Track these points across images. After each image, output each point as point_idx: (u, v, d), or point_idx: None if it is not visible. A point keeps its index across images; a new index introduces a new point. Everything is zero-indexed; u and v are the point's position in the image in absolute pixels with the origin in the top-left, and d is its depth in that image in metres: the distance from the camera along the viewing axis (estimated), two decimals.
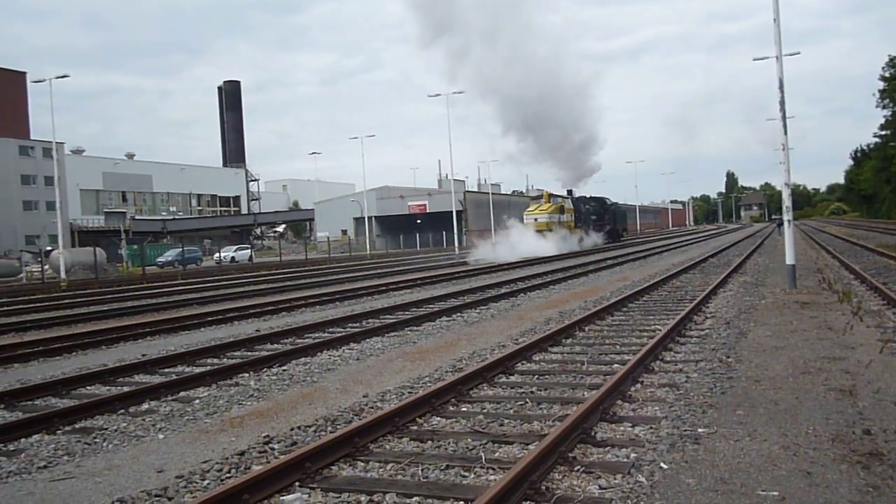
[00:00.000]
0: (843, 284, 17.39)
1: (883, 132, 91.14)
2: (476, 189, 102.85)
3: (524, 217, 50.98)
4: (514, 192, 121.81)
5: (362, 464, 6.05)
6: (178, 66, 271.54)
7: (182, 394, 9.18)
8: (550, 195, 53.40)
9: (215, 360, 11.55)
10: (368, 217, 75.05)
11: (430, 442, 6.57)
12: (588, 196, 59.21)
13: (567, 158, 56.14)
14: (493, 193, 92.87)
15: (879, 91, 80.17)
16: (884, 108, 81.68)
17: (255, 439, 6.87)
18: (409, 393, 8.39)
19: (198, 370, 10.51)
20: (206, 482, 5.73)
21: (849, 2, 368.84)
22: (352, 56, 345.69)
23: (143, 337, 14.73)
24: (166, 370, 10.90)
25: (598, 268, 29.08)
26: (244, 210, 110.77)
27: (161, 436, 7.39)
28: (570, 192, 56.25)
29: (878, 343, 9.81)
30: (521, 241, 44.24)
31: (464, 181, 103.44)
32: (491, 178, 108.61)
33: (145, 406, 8.66)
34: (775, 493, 4.89)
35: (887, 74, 78.51)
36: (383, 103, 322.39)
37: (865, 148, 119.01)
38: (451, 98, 53.97)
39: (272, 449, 6.51)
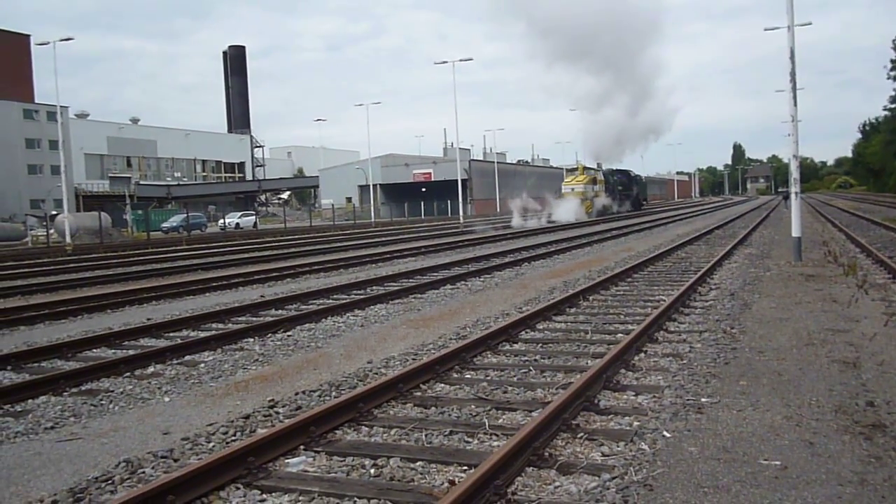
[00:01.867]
0: (849, 257, 17.35)
1: (892, 105, 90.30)
2: (482, 158, 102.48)
3: (562, 187, 57.90)
4: (519, 161, 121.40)
5: (366, 428, 6.09)
6: (183, 30, 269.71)
7: (187, 357, 9.23)
8: (584, 167, 59.30)
9: (220, 325, 11.59)
10: (373, 185, 74.89)
11: (433, 408, 6.60)
12: (615, 168, 64.93)
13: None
14: (498, 162, 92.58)
15: (891, 62, 79.29)
16: (894, 80, 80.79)
17: (259, 403, 6.92)
18: (413, 359, 8.42)
19: (203, 334, 10.55)
20: (212, 444, 5.77)
21: None
22: (358, 21, 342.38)
23: (149, 301, 14.78)
24: (171, 334, 10.94)
25: (602, 238, 29.04)
26: (249, 176, 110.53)
27: (167, 398, 7.44)
28: (599, 165, 62.02)
29: (883, 316, 9.81)
30: (561, 208, 52.02)
31: (469, 150, 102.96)
32: (497, 148, 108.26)
33: (151, 369, 8.71)
34: (777, 463, 4.91)
35: None
36: (389, 70, 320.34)
37: (874, 121, 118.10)
38: (457, 66, 53.54)
39: (277, 413, 6.55)
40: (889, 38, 79.71)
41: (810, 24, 29.24)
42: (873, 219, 33.84)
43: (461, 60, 54.89)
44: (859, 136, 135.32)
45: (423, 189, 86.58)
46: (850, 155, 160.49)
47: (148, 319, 12.06)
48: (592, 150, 65.54)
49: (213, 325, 11.58)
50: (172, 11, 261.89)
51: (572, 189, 55.97)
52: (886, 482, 4.54)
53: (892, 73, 79.96)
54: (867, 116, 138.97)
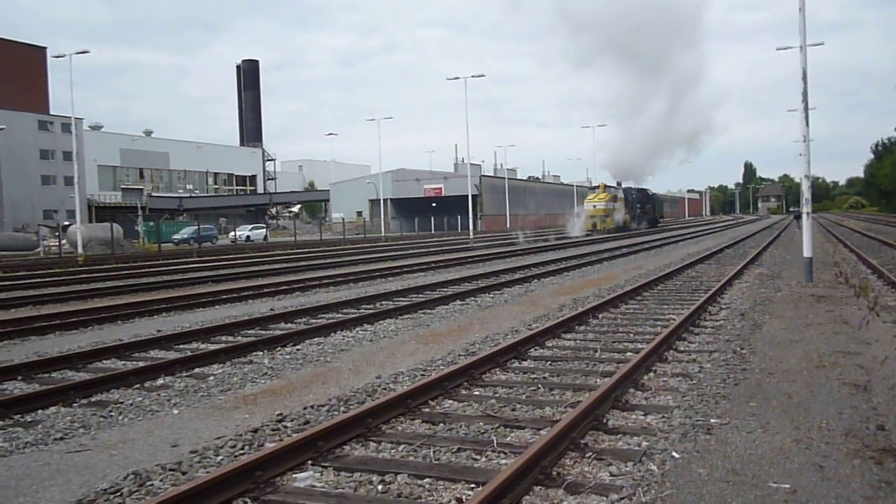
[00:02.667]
0: (860, 279, 17.25)
1: None
2: (492, 174, 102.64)
3: (585, 204, 62.06)
4: (530, 177, 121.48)
5: (374, 444, 6.08)
6: (197, 44, 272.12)
7: (197, 370, 9.26)
8: (606, 186, 62.99)
9: (230, 338, 11.62)
10: (384, 199, 75.08)
11: (441, 424, 6.59)
12: (634, 187, 68.38)
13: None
14: (508, 178, 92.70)
15: None
16: None
17: (268, 417, 6.93)
18: (422, 375, 8.42)
19: (212, 347, 10.59)
20: (220, 458, 5.78)
21: None
22: (370, 37, 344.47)
23: (159, 313, 14.84)
24: (181, 346, 10.98)
25: (612, 256, 28.98)
26: (260, 189, 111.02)
27: (175, 411, 7.46)
28: (619, 183, 65.67)
29: (895, 339, 9.74)
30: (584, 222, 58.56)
31: (480, 165, 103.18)
32: (507, 164, 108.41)
33: (160, 381, 8.74)
34: (787, 486, 4.88)
35: None
36: (401, 85, 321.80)
37: (886, 142, 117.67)
38: (469, 82, 53.78)
39: (285, 427, 6.56)
40: None
41: (822, 44, 29.33)
42: (885, 240, 33.64)
43: (473, 77, 55.20)
44: (871, 156, 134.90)
45: (434, 204, 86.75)
46: (861, 175, 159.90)
47: (158, 331, 12.11)
48: (617, 164, 68.72)
49: (223, 338, 11.61)
50: (187, 25, 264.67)
51: (594, 206, 60.29)
52: None
53: None
54: (879, 137, 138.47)
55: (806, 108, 18.00)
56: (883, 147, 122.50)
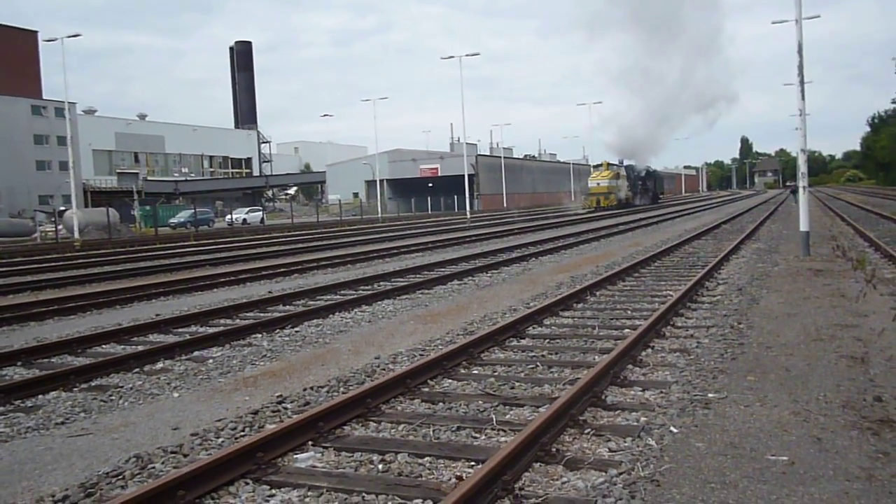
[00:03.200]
0: (858, 252, 17.28)
1: None
2: (488, 153, 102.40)
3: (588, 182, 63.81)
4: (526, 156, 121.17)
5: (374, 424, 6.11)
6: (191, 26, 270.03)
7: (196, 353, 9.27)
8: (608, 164, 64.63)
9: (228, 321, 11.63)
10: (380, 180, 74.94)
11: (441, 403, 6.62)
12: (636, 165, 69.50)
13: None
14: (505, 157, 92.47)
15: None
16: None
17: (268, 399, 6.95)
18: (421, 355, 8.44)
19: (211, 330, 10.60)
20: (221, 440, 5.81)
21: None
22: (365, 16, 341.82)
23: (157, 297, 14.84)
24: (180, 330, 10.99)
25: (610, 233, 28.99)
26: (256, 172, 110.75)
27: (176, 394, 7.48)
28: (621, 161, 67.35)
29: (892, 311, 9.77)
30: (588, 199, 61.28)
31: (476, 145, 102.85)
32: (503, 142, 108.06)
33: (160, 365, 8.76)
34: (784, 458, 4.92)
35: None
36: (396, 65, 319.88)
37: (883, 114, 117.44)
38: (464, 60, 53.46)
39: (285, 408, 6.58)
40: None
41: (818, 17, 29.15)
42: (882, 213, 33.68)
43: (468, 55, 54.70)
44: (868, 129, 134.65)
45: (430, 184, 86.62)
46: (858, 149, 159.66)
47: (156, 315, 12.12)
48: (622, 143, 69.77)
49: (222, 321, 11.62)
50: (180, 6, 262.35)
51: (598, 183, 62.05)
52: (894, 478, 4.53)
53: None
54: (876, 110, 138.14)
55: (802, 82, 17.94)
56: (880, 120, 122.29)
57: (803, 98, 18.03)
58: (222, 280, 17.04)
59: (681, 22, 73.32)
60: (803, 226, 17.80)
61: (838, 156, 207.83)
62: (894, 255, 15.38)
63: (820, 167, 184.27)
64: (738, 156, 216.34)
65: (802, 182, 18.72)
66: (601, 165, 65.80)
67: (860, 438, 5.23)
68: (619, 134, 70.82)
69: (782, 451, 5.06)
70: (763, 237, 23.77)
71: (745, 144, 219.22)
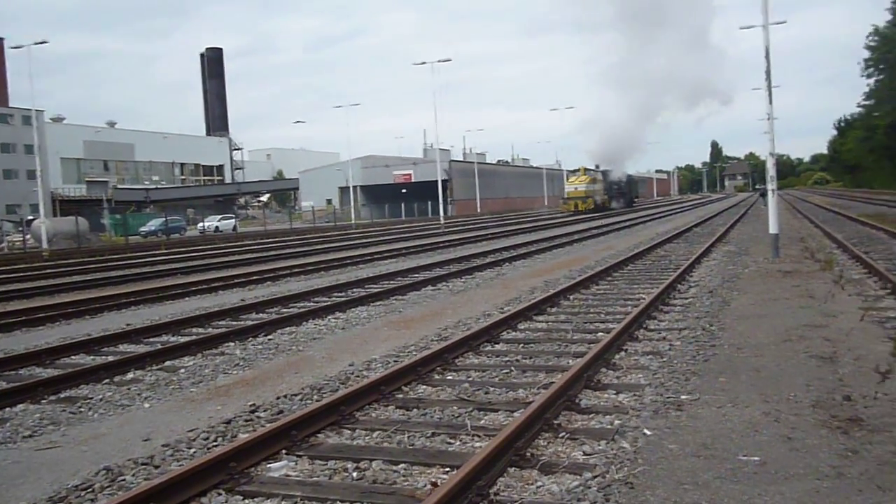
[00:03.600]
0: (826, 253, 17.54)
1: (867, 102, 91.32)
2: (462, 158, 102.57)
3: (566, 186, 65.85)
4: (499, 161, 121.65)
5: (348, 431, 6.08)
6: (161, 31, 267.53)
7: (167, 363, 9.16)
8: (586, 169, 66.96)
9: (200, 330, 11.52)
10: (353, 186, 74.70)
11: (415, 410, 6.60)
12: (613, 170, 71.12)
13: None
14: (478, 163, 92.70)
15: (864, 60, 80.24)
16: (868, 77, 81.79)
17: (241, 408, 6.88)
18: (395, 361, 8.41)
19: (183, 339, 10.49)
20: (193, 450, 5.74)
21: None
22: (338, 22, 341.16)
23: (128, 307, 14.66)
24: (151, 339, 10.86)
25: (583, 237, 29.16)
26: (228, 179, 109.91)
27: (147, 405, 7.38)
28: (597, 166, 69.66)
29: (859, 311, 9.92)
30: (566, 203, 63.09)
31: (449, 150, 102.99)
32: (477, 148, 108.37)
33: (130, 375, 8.64)
34: (756, 458, 4.97)
35: (872, 44, 78.49)
36: (370, 71, 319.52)
37: (850, 118, 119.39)
38: (436, 66, 53.61)
39: (258, 417, 6.53)
40: (864, 37, 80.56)
41: (785, 22, 29.53)
42: (849, 215, 34.23)
43: (440, 61, 54.85)
44: (835, 132, 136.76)
45: (404, 190, 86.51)
46: (826, 152, 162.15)
47: (127, 325, 11.97)
48: (603, 150, 71.22)
49: (194, 330, 11.51)
50: (152, 10, 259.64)
51: (575, 188, 64.45)
52: (863, 476, 4.60)
53: (867, 71, 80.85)
54: (843, 113, 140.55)
55: (769, 87, 18.19)
56: (846, 123, 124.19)
57: (771, 102, 18.28)
58: (194, 288, 16.88)
59: (669, 15, 74.36)
60: (773, 228, 18.04)
61: (806, 159, 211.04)
62: (861, 256, 15.64)
63: (788, 170, 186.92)
64: (708, 160, 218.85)
65: (771, 185, 18.97)
66: (578, 171, 67.64)
67: (830, 437, 5.30)
68: (599, 139, 72.42)
69: (754, 451, 5.11)
70: (733, 240, 24.05)
71: (716, 148, 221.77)
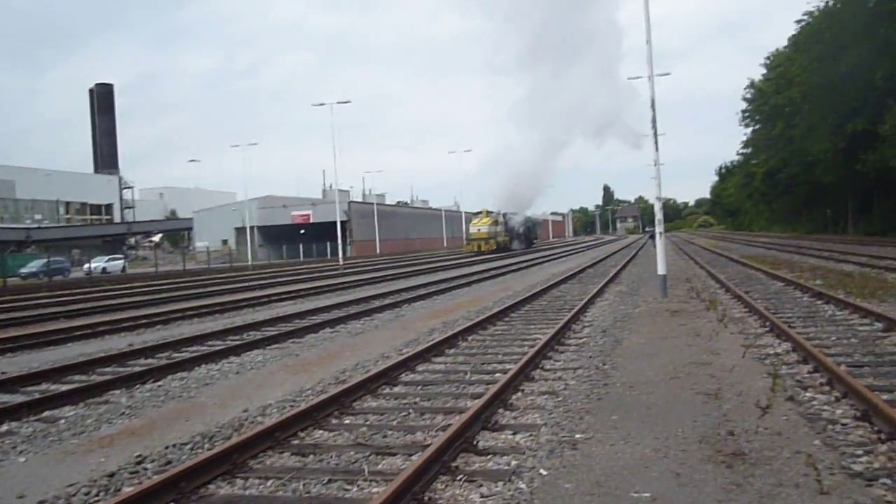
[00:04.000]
0: (710, 293, 18.36)
1: (744, 150, 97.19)
2: (361, 199, 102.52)
3: (470, 228, 68.36)
4: (398, 202, 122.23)
5: (241, 481, 5.87)
6: (47, 63, 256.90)
7: (46, 413, 8.64)
8: (488, 211, 69.71)
9: (84, 377, 10.94)
10: (250, 227, 73.28)
11: (312, 456, 6.46)
12: (513, 212, 73.88)
13: None
14: (377, 204, 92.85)
15: (742, 111, 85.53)
16: (746, 126, 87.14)
17: (126, 459, 6.55)
18: (291, 406, 8.23)
19: (64, 388, 9.93)
20: None
21: (716, 25, 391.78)
22: (236, 59, 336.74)
23: (3, 353, 13.79)
24: (29, 388, 10.23)
25: (481, 278, 29.50)
26: (117, 219, 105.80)
27: (22, 458, 6.93)
28: (499, 211, 72.04)
29: (741, 348, 10.41)
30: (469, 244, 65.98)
31: (348, 191, 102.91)
32: (376, 189, 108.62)
33: (5, 427, 8.09)
34: (647, 495, 5.09)
35: (748, 96, 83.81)
36: (268, 109, 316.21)
37: (729, 165, 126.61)
38: (336, 107, 53.58)
39: (145, 469, 6.23)
40: (741, 89, 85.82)
41: (669, 73, 31.53)
42: (731, 256, 36.04)
43: (339, 103, 54.81)
44: (716, 178, 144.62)
45: (302, 231, 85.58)
46: (709, 196, 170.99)
47: (2, 373, 11.25)
48: (508, 195, 73.57)
49: (76, 378, 10.92)
50: (36, 43, 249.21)
51: (479, 230, 67.01)
52: None
53: (745, 121, 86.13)
54: (723, 160, 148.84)
55: (655, 135, 19.09)
56: (726, 170, 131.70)
57: (657, 149, 19.17)
58: (78, 333, 16.07)
59: (579, 52, 77.85)
60: (661, 269, 18.78)
61: (691, 202, 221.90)
62: (742, 295, 16.45)
63: (675, 213, 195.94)
64: (601, 202, 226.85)
65: (659, 228, 19.80)
66: (481, 213, 70.34)
67: (715, 472, 5.50)
68: (501, 183, 75.68)
69: (645, 487, 5.24)
70: (625, 280, 24.87)
71: (608, 192, 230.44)
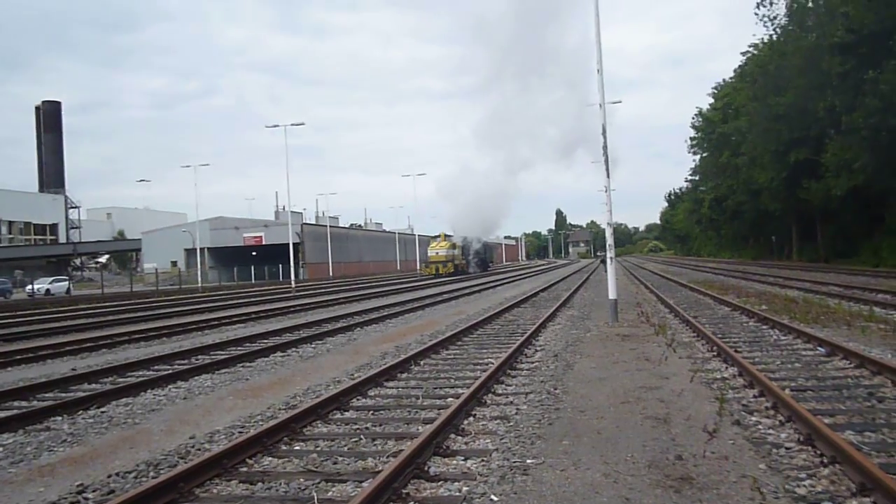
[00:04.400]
0: (660, 318, 18.64)
1: (693, 177, 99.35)
2: (314, 222, 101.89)
3: (428, 251, 71.16)
4: (352, 225, 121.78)
5: None
6: None
7: None
8: (445, 235, 72.74)
9: (23, 403, 10.61)
10: (200, 248, 72.21)
11: (260, 483, 6.35)
12: (470, 237, 77.18)
13: None
14: (331, 226, 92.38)
15: (690, 139, 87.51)
16: (694, 154, 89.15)
17: (67, 489, 6.37)
18: (240, 432, 8.09)
19: (2, 414, 9.58)
20: None
21: (668, 57, 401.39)
22: (187, 80, 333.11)
23: None
24: None
25: (434, 302, 29.49)
26: (62, 239, 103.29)
27: None
28: (455, 235, 75.67)
29: (689, 373, 10.58)
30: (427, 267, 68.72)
31: (301, 213, 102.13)
32: (330, 211, 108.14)
33: None
34: None
35: (697, 124, 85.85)
36: (220, 131, 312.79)
37: (678, 191, 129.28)
38: (289, 129, 53.34)
39: (86, 499, 6.07)
40: (690, 118, 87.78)
41: (620, 101, 31.92)
42: (680, 281, 36.69)
43: (293, 125, 54.55)
44: (666, 204, 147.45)
45: (254, 253, 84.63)
46: (658, 221, 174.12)
47: None
48: (461, 213, 77.02)
49: (15, 404, 10.59)
50: None
51: (437, 252, 69.65)
52: None
53: (693, 149, 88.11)
54: (672, 187, 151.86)
55: (606, 161, 19.39)
56: (675, 196, 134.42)
57: (608, 176, 19.47)
58: (18, 357, 15.59)
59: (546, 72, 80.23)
60: (612, 294, 19.00)
61: (641, 228, 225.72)
62: (690, 320, 16.74)
63: (626, 238, 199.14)
64: (553, 227, 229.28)
65: (610, 254, 20.07)
66: (439, 237, 73.31)
67: (664, 496, 5.55)
68: (458, 208, 78.49)
69: None
70: (577, 304, 25.11)
71: (560, 216, 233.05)
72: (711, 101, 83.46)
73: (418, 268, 71.00)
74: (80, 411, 9.82)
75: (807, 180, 49.48)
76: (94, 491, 6.25)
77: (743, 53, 64.87)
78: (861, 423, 7.48)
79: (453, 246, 71.83)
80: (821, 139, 47.52)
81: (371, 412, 9.08)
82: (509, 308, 23.69)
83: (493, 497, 5.68)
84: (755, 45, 61.78)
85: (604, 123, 19.30)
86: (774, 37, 53.75)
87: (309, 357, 14.51)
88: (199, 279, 68.22)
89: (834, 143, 44.20)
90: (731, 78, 75.07)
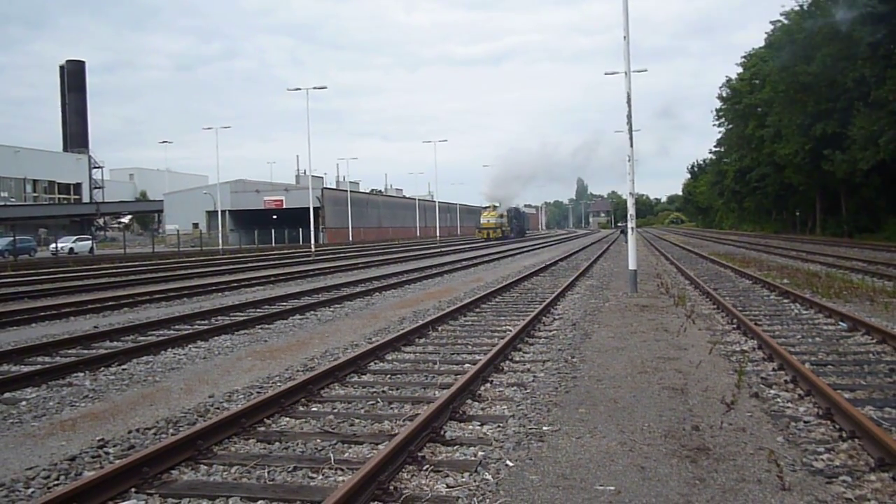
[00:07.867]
0: (679, 289, 18.53)
1: (717, 149, 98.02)
2: (335, 186, 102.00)
3: (481, 219, 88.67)
4: (372, 190, 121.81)
5: (205, 467, 5.82)
6: (16, 40, 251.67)
7: (6, 395, 8.50)
8: (494, 206, 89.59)
9: (47, 359, 10.78)
10: (221, 211, 72.60)
11: (277, 443, 6.42)
12: (511, 206, 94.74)
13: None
14: (351, 191, 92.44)
15: (716, 110, 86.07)
16: (719, 125, 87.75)
17: (88, 443, 6.46)
18: (258, 393, 8.17)
19: (26, 369, 9.76)
20: (31, 490, 5.33)
21: (697, 25, 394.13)
22: (210, 42, 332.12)
23: None
24: None
25: (453, 269, 29.51)
26: (86, 199, 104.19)
27: None
28: (500, 205, 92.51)
29: (708, 344, 10.52)
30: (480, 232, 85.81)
31: (322, 178, 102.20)
32: (350, 176, 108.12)
33: None
34: (611, 488, 5.12)
35: (724, 94, 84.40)
36: (241, 94, 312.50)
37: (702, 163, 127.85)
38: (311, 93, 53.21)
39: (107, 453, 6.15)
40: (717, 88, 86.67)
41: (646, 70, 31.46)
42: (701, 253, 36.42)
43: (315, 88, 54.63)
44: (689, 176, 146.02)
45: (275, 216, 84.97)
46: (681, 193, 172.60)
47: None
48: (498, 188, 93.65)
49: (39, 359, 10.75)
50: (4, 18, 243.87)
51: (488, 220, 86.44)
52: (710, 503, 4.83)
53: (719, 120, 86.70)
54: (696, 158, 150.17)
55: (630, 130, 19.16)
56: (699, 168, 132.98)
57: (632, 145, 19.26)
58: (42, 314, 15.82)
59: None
60: (631, 264, 18.89)
61: (663, 199, 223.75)
62: (710, 292, 16.63)
63: (647, 209, 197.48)
64: (574, 196, 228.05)
65: (631, 224, 19.92)
66: (489, 207, 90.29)
67: (679, 466, 5.54)
68: (497, 179, 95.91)
69: (609, 480, 5.27)
70: (596, 274, 25.02)
71: (581, 185, 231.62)
72: (740, 70, 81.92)
73: (463, 233, 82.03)
74: (102, 368, 9.95)
75: (832, 153, 48.66)
76: (114, 446, 6.34)
77: (773, 22, 63.50)
78: (882, 398, 7.41)
79: (501, 216, 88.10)
80: (847, 111, 46.62)
81: (388, 376, 9.12)
82: (528, 276, 23.66)
83: (508, 462, 5.70)
84: (786, 14, 60.44)
85: (629, 91, 19.04)
86: (805, 5, 52.58)
87: (327, 320, 14.59)
88: (220, 241, 68.68)
89: (862, 115, 43.34)
90: (760, 47, 73.58)
